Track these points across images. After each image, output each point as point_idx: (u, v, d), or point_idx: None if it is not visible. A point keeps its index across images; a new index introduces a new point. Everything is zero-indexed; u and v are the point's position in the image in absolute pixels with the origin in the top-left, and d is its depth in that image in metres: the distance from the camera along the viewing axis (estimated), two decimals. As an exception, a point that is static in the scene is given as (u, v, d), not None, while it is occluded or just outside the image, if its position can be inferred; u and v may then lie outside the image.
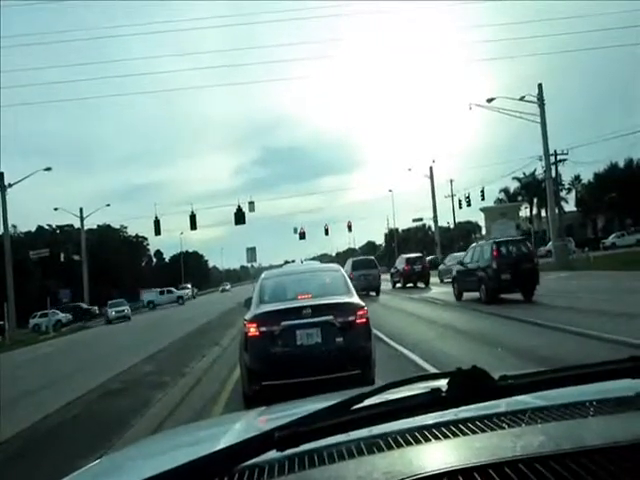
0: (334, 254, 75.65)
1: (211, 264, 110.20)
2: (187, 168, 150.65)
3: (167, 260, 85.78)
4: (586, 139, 51.58)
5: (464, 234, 63.13)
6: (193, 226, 37.89)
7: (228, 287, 75.56)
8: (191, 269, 79.86)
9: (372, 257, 29.78)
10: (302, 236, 46.60)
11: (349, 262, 26.14)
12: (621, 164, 50.72)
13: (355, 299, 6.26)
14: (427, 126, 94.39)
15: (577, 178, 54.79)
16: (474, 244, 18.42)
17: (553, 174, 33.84)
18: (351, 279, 7.70)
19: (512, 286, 14.83)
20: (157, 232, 38.87)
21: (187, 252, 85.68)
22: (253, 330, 5.86)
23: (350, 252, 66.94)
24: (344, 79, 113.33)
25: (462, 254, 19.84)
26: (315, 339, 5.80)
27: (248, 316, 6.15)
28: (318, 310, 5.83)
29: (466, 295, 16.67)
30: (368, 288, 23.53)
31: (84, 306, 43.54)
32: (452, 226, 59.11)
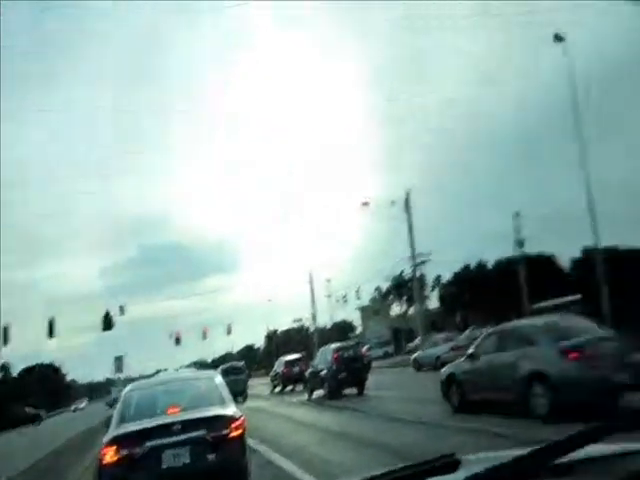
0: (210, 360, 71.85)
1: (71, 377, 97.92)
2: (48, 268, 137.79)
3: (16, 375, 74.91)
4: (449, 241, 57.54)
5: (341, 333, 64.45)
6: (51, 334, 33.92)
7: (83, 405, 64.76)
8: (45, 384, 70.26)
9: (241, 363, 30.83)
10: (178, 341, 44.00)
11: (219, 370, 26.73)
12: (473, 265, 56.75)
13: (230, 410, 5.84)
14: (308, 228, 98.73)
15: (438, 278, 59.94)
16: (322, 348, 21.96)
17: (419, 274, 36.79)
18: None
19: (348, 383, 18.42)
20: (5, 341, 34.07)
21: (41, 364, 75.85)
22: (110, 456, 5.11)
23: (228, 357, 64.21)
24: (224, 180, 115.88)
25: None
26: (183, 460, 5.22)
27: (105, 439, 5.40)
28: (189, 426, 5.31)
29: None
30: (235, 394, 23.17)
31: None
32: (329, 326, 60.25)
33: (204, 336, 46.72)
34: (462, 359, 10.57)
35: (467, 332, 29.05)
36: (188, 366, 51.97)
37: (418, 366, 25.64)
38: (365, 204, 32.03)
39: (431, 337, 29.42)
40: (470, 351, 10.23)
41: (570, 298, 26.63)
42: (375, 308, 52.96)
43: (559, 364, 8.03)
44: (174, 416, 5.56)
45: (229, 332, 51.55)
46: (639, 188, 42.63)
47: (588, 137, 23.81)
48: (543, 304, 27.30)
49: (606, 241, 26.88)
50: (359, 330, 62.01)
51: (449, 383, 10.48)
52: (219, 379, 6.89)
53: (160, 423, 5.40)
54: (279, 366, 28.10)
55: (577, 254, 39.27)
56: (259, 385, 34.15)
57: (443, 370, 11.07)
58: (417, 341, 30.21)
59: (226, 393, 6.35)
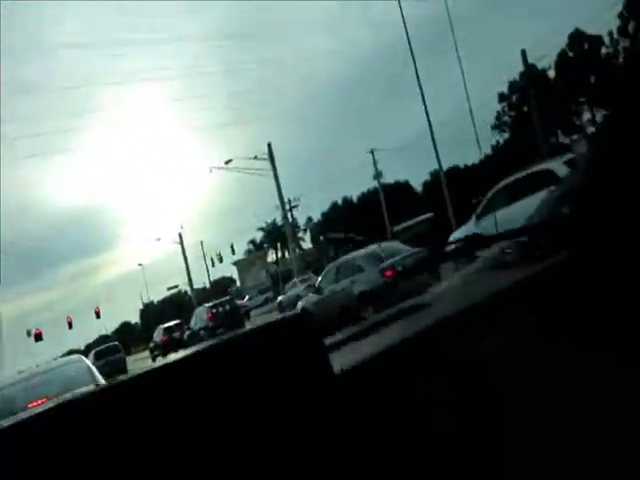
0: (83, 347, 67.26)
1: None
2: None
3: None
4: (315, 183, 58.93)
5: (221, 290, 63.90)
6: None
7: None
8: None
9: (115, 343, 31.29)
10: (38, 337, 39.89)
11: (91, 354, 26.67)
12: (340, 202, 58.89)
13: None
14: (172, 194, 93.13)
15: (309, 219, 61.34)
16: (196, 310, 22.81)
17: (290, 219, 37.17)
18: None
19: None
20: None
21: None
22: None
23: (102, 340, 60.47)
24: (80, 154, 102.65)
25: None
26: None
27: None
28: None
29: None
30: (115, 372, 23.51)
31: None
32: (208, 286, 59.14)
33: (70, 326, 43.07)
34: (311, 293, 12.48)
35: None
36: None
37: (282, 308, 26.52)
38: (228, 162, 31.10)
39: (290, 281, 31.26)
40: (316, 285, 12.25)
41: (423, 217, 28.84)
42: (251, 259, 52.84)
43: (380, 281, 10.25)
44: (38, 407, 4.83)
45: (98, 316, 48.05)
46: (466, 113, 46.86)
47: (428, 71, 25.39)
48: (402, 225, 29.35)
49: (448, 163, 30.05)
50: (239, 283, 61.91)
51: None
52: (86, 362, 6.65)
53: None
54: (157, 335, 27.48)
55: (427, 177, 42.62)
56: (139, 361, 32.91)
57: (298, 305, 12.66)
58: (292, 282, 31.28)
59: (96, 373, 6.17)
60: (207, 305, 21.42)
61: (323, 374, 0.81)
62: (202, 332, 19.64)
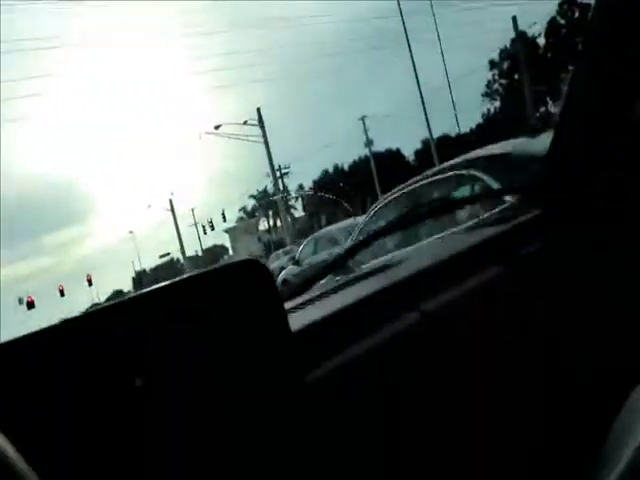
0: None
1: None
2: None
3: None
4: (306, 151, 58.67)
5: (213, 258, 64.40)
6: None
7: None
8: None
9: None
10: (30, 305, 40.22)
11: None
12: (331, 170, 59.06)
13: None
14: (161, 160, 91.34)
15: (300, 187, 61.51)
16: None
17: (281, 187, 37.43)
18: None
19: None
20: None
21: None
22: None
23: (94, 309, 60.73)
24: (62, 118, 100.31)
25: None
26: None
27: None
28: None
29: None
30: None
31: None
32: (200, 253, 59.57)
33: (61, 294, 43.37)
34: (291, 265, 13.05)
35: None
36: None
37: None
38: (217, 127, 30.82)
39: (273, 253, 31.48)
40: (295, 257, 12.85)
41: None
42: (243, 227, 53.24)
43: None
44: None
45: (90, 283, 48.47)
46: (458, 81, 46.81)
47: (419, 41, 25.40)
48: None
49: (439, 131, 30.29)
50: (231, 252, 62.40)
51: (283, 285, 12.60)
52: None
53: None
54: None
55: (418, 145, 42.93)
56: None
57: (279, 277, 13.28)
58: (275, 254, 31.94)
59: None
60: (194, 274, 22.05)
61: (278, 329, 0.74)
62: None
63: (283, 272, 13.57)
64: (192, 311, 0.68)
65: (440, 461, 0.88)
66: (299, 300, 1.06)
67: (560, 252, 1.18)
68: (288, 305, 1.00)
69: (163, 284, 0.68)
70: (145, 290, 0.68)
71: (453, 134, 36.55)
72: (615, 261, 1.20)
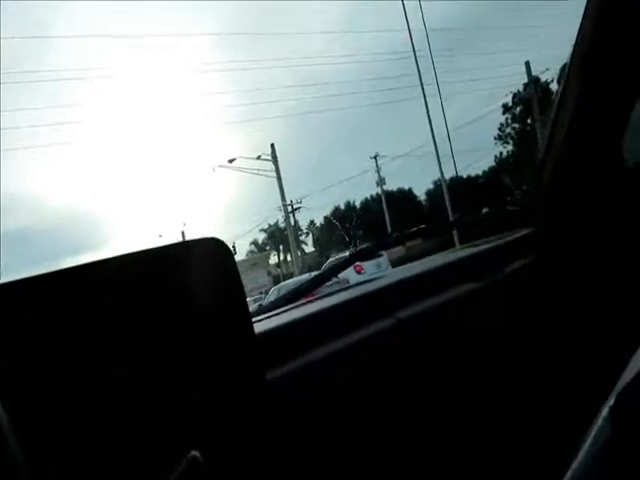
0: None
1: None
2: None
3: None
4: (317, 187, 59.34)
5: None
6: None
7: None
8: None
9: None
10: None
11: None
12: (342, 206, 59.46)
13: None
14: (175, 191, 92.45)
15: (312, 222, 61.87)
16: None
17: (292, 222, 37.76)
18: None
19: None
20: None
21: None
22: None
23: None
24: (81, 150, 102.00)
25: None
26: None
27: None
28: None
29: None
30: None
31: None
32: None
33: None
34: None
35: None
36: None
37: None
38: (231, 161, 31.41)
39: (273, 287, 31.76)
40: (258, 305, 13.17)
41: (425, 226, 29.66)
42: (253, 260, 53.35)
43: None
44: None
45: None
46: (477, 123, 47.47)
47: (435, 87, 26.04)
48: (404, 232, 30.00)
49: (450, 173, 30.78)
50: (241, 284, 62.11)
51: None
52: None
53: None
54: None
55: (430, 186, 43.35)
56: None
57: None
58: (271, 291, 32.01)
59: None
60: None
61: (237, 306, 0.71)
62: None
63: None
64: (150, 282, 0.65)
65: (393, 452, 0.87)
66: (269, 314, 1.05)
67: (550, 267, 1.19)
68: (256, 317, 1.00)
69: (124, 253, 0.64)
70: (103, 258, 0.63)
71: (465, 175, 36.93)
72: (602, 277, 1.21)
